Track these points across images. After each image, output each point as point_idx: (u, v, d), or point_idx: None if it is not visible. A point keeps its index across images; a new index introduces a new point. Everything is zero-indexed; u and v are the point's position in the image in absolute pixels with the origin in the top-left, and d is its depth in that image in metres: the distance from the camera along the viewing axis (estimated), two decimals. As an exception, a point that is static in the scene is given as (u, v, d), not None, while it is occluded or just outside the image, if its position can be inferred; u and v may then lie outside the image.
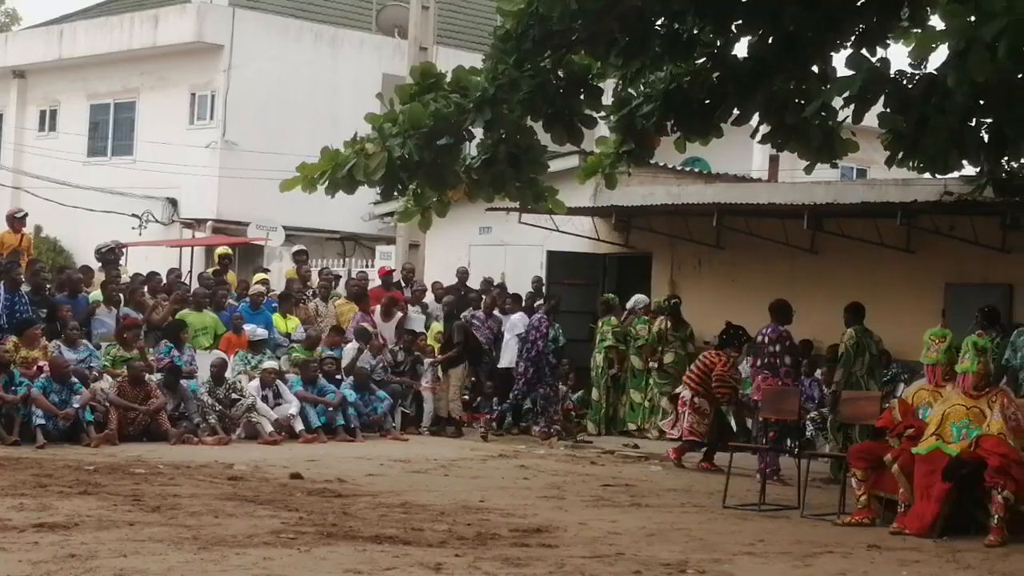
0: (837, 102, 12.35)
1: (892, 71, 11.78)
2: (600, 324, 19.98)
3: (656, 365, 19.32)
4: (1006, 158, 13.58)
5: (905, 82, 11.67)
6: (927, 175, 14.35)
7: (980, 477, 10.91)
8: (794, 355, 14.99)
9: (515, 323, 19.99)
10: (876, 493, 11.73)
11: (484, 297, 21.26)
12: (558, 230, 21.98)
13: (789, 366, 14.63)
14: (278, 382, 17.60)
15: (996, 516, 10.76)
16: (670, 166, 23.32)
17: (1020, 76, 10.28)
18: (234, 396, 17.19)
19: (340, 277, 22.73)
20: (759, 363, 14.79)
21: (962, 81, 9.74)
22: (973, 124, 12.50)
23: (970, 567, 9.75)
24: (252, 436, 16.97)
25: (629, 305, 20.07)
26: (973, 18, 9.54)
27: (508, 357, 19.90)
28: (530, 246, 23.00)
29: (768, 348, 14.65)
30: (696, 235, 21.17)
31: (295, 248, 23.84)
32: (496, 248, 24.01)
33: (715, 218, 19.80)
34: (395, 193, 14.16)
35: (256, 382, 17.49)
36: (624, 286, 21.65)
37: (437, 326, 20.42)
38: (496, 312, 20.82)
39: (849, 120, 12.15)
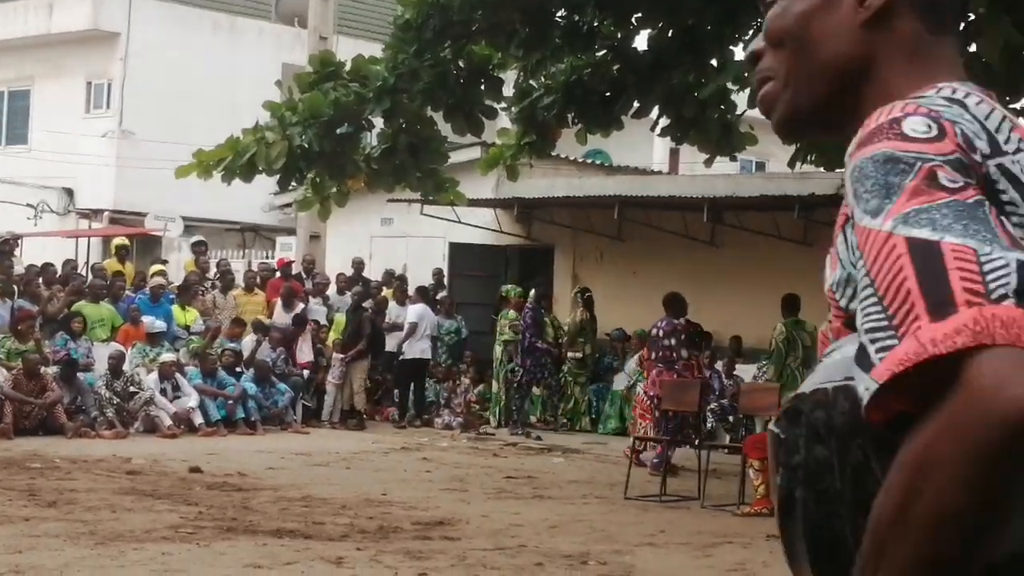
0: (737, 98, 12.47)
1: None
2: (499, 318, 19.96)
3: (580, 355, 19.36)
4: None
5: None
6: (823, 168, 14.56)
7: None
8: (689, 348, 15.06)
9: (411, 314, 19.99)
10: (775, 483, 11.82)
11: (384, 289, 21.17)
12: (460, 222, 21.95)
13: (687, 359, 14.70)
14: (177, 375, 17.43)
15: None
16: (571, 158, 23.37)
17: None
18: (132, 389, 16.99)
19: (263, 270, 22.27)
20: (654, 356, 14.84)
21: None
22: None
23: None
24: (150, 429, 16.80)
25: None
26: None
27: (409, 348, 19.92)
28: (432, 238, 22.95)
29: (663, 342, 14.70)
30: (598, 227, 21.25)
31: (194, 239, 23.58)
32: (398, 240, 23.91)
33: (616, 210, 19.92)
34: (292, 183, 14.10)
35: (154, 375, 17.31)
36: (527, 278, 21.64)
37: (340, 319, 20.26)
38: (392, 305, 20.69)
39: (747, 112, 12.28)
